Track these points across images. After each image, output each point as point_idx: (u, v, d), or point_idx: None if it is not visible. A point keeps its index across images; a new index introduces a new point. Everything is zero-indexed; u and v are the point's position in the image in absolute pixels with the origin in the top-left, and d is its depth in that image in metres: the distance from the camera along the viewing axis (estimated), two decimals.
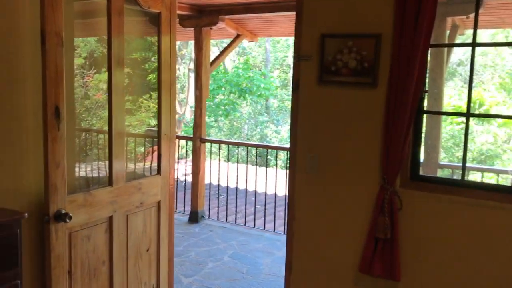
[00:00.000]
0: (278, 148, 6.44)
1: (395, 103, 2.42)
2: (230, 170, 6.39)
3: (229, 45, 6.18)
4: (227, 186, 6.08)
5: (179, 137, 6.63)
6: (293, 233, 2.84)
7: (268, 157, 12.19)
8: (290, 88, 21.79)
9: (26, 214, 1.99)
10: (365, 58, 2.53)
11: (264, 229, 5.39)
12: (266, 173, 5.62)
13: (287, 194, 4.90)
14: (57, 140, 2.45)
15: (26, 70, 2.53)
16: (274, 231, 5.32)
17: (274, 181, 5.64)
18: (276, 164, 5.68)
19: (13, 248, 1.96)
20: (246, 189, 5.74)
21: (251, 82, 14.26)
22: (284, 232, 5.20)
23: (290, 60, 21.66)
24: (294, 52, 2.76)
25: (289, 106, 15.17)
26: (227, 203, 5.79)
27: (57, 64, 2.42)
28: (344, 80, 2.60)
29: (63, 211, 2.48)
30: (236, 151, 10.96)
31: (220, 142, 6.33)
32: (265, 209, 5.41)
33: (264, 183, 5.73)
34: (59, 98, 2.45)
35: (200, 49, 5.67)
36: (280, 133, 15.01)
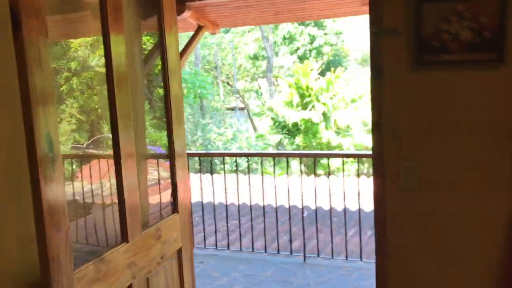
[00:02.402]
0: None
1: None
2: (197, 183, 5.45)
3: (192, 39, 5.26)
4: (215, 203, 5.13)
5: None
6: (389, 275, 2.09)
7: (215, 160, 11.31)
8: (218, 87, 21.04)
9: None
10: (485, 26, 1.83)
11: (265, 252, 4.57)
12: (265, 182, 4.67)
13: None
14: (54, 187, 1.52)
15: None
16: (278, 253, 4.51)
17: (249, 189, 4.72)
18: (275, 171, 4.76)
19: None
20: (238, 205, 4.78)
21: (185, 82, 13.25)
22: (291, 253, 4.44)
23: (212, 57, 20.82)
24: (371, 26, 2.00)
25: (222, 106, 14.27)
26: (215, 225, 4.89)
27: (42, 65, 1.49)
28: (454, 59, 1.88)
29: None
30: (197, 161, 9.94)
31: (208, 155, 5.34)
32: (264, 226, 4.57)
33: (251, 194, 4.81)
34: (51, 119, 1.52)
35: None
36: (223, 135, 14.12)
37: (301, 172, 4.75)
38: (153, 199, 2.58)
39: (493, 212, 1.89)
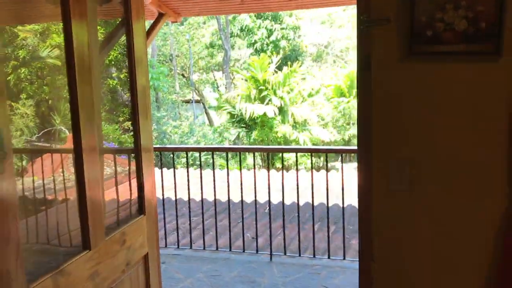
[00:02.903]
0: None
1: None
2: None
3: (152, 27, 4.98)
4: (185, 200, 4.89)
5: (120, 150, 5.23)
6: (372, 278, 1.96)
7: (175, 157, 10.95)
8: (174, 79, 20.56)
9: None
10: (482, 16, 1.71)
11: (230, 250, 4.38)
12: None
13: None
14: (3, 191, 1.29)
15: None
16: (243, 251, 4.33)
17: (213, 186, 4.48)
18: (240, 165, 4.56)
19: None
20: (201, 200, 4.55)
21: None
22: (257, 251, 4.27)
23: (171, 49, 20.31)
24: (360, 15, 1.85)
25: (177, 98, 13.93)
26: (177, 223, 4.66)
27: None
28: (448, 50, 1.76)
29: None
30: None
31: (181, 150, 5.04)
32: (229, 222, 4.39)
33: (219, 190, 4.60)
34: (2, 113, 1.29)
35: None
36: (180, 128, 13.75)
37: (268, 167, 4.61)
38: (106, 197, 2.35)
39: (486, 213, 1.79)
